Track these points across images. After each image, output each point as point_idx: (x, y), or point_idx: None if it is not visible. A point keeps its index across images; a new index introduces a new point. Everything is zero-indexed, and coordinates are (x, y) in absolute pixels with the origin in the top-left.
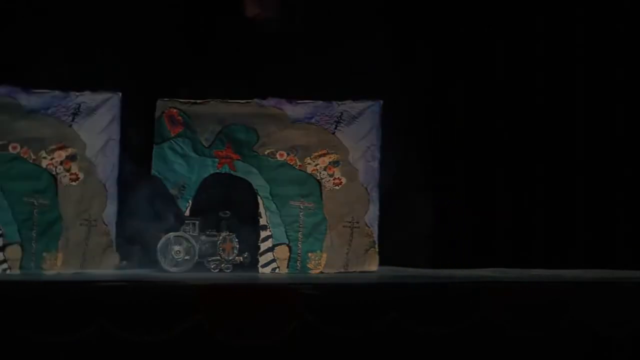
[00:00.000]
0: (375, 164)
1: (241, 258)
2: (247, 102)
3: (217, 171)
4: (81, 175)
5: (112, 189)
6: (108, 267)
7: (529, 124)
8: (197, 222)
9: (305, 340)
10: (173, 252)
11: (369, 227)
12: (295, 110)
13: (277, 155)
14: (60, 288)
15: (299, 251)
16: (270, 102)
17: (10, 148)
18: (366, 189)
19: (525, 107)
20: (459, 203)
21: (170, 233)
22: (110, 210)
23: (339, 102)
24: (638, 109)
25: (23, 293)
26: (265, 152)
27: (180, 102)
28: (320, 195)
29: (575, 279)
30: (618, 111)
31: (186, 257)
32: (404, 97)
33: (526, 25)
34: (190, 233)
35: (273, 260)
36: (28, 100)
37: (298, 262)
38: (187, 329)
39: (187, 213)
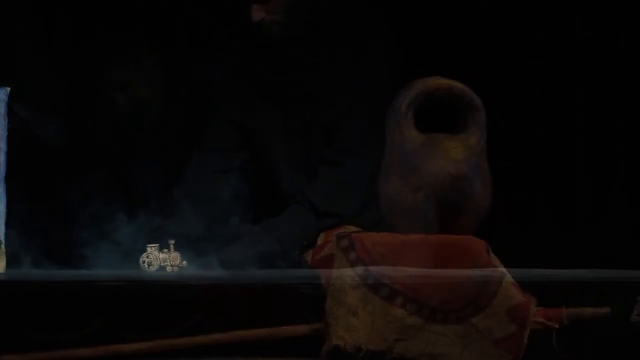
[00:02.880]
0: (2, 157)
1: None
2: None
3: None
4: None
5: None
6: None
7: (528, 122)
8: None
9: (305, 340)
10: None
11: None
12: None
13: None
14: (59, 287)
15: None
16: None
17: None
18: None
19: (525, 104)
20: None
21: None
22: None
23: None
24: (639, 107)
25: (22, 293)
26: None
27: None
28: None
29: (575, 278)
30: (619, 108)
31: None
32: None
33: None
34: None
35: None
36: None
37: None
38: (187, 329)
39: None
